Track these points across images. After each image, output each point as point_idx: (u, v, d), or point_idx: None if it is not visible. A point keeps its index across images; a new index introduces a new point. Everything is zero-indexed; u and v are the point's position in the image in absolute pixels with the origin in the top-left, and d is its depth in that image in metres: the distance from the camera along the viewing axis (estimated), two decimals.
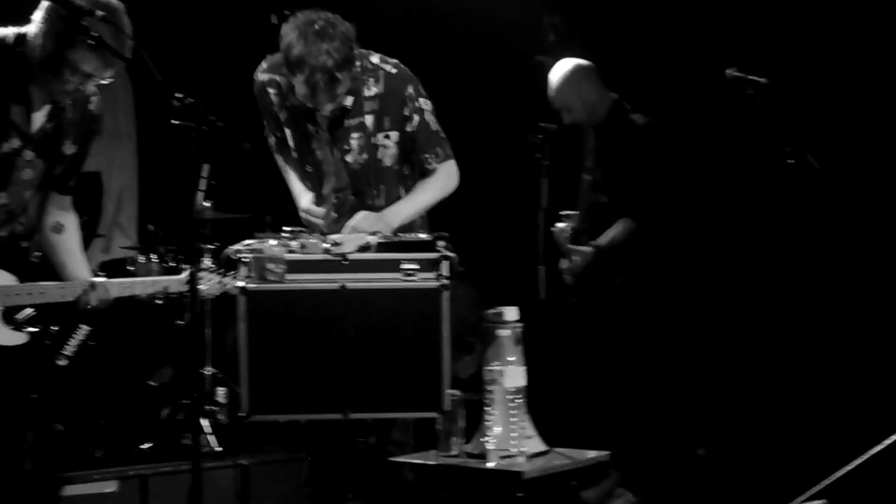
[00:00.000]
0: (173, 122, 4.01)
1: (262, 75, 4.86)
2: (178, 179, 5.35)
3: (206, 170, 5.71)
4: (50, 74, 4.14)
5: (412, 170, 4.88)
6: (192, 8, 7.50)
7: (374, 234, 4.53)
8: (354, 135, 4.77)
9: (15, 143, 4.26)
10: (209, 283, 4.58)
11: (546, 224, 5.09)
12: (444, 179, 4.85)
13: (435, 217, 5.01)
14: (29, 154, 4.30)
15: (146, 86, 4.93)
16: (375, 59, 4.78)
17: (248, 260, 4.39)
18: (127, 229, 8.14)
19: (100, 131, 4.46)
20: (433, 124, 4.86)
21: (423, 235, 4.60)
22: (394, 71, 4.75)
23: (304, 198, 4.87)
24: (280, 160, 5.04)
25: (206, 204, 6.08)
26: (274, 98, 4.82)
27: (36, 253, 4.41)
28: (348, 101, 4.71)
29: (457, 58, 6.77)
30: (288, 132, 4.88)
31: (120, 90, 8.01)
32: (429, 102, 4.81)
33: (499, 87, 7.08)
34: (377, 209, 4.78)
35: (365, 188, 4.82)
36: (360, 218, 4.65)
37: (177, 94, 3.90)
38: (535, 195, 5.12)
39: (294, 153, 4.85)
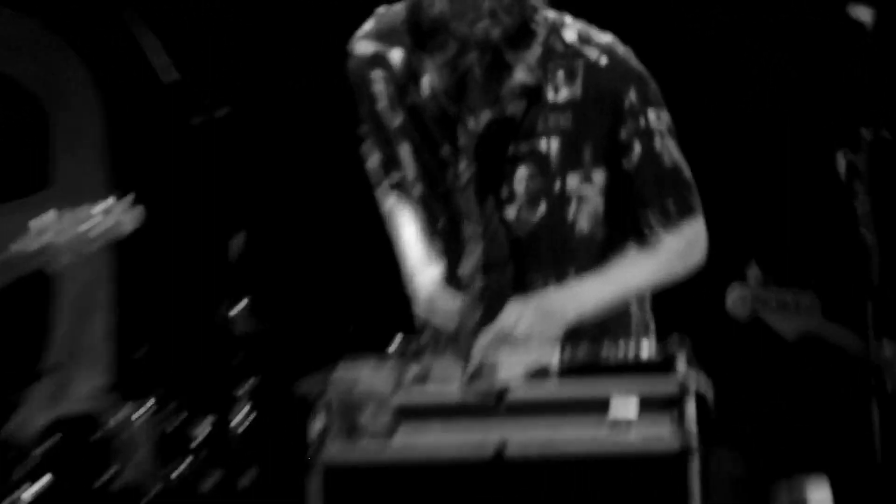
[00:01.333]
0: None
1: (362, 46, 3.35)
2: (190, 254, 4.06)
3: (240, 241, 3.73)
4: None
5: (625, 238, 3.36)
6: None
7: (549, 346, 3.07)
8: (525, 171, 3.23)
9: None
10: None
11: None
12: (672, 252, 3.30)
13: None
14: None
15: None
16: (572, 33, 3.22)
17: (327, 404, 3.03)
18: (95, 357, 6.15)
19: None
20: (668, 156, 3.26)
21: (645, 346, 3.18)
22: (604, 60, 3.20)
23: (425, 276, 3.42)
24: (387, 200, 3.48)
25: (242, 309, 4.10)
26: (382, 88, 3.31)
27: None
28: (516, 106, 3.18)
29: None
30: (406, 151, 3.34)
31: (82, 110, 6.00)
32: (665, 116, 3.25)
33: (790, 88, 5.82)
34: None
35: (538, 270, 3.31)
36: (518, 311, 3.18)
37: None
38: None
39: (416, 189, 3.37)
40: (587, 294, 3.25)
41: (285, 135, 5.50)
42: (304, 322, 5.60)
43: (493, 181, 3.28)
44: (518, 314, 3.17)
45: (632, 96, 3.20)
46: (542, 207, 3.26)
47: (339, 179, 4.00)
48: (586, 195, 3.25)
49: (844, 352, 4.80)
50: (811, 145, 5.51)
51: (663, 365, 2.91)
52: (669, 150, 3.25)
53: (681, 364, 2.91)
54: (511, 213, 3.27)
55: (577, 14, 3.33)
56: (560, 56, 3.20)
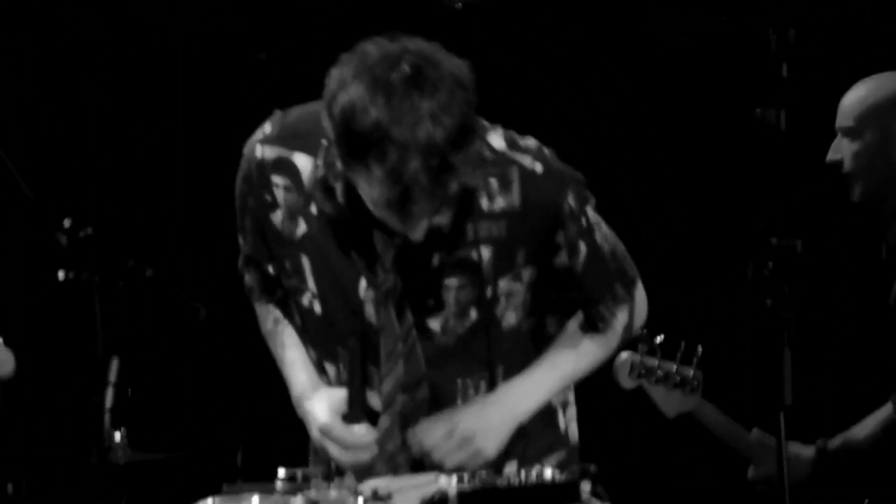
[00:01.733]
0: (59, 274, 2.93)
1: (262, 150, 3.06)
2: (63, 389, 3.81)
3: (115, 367, 3.55)
4: None
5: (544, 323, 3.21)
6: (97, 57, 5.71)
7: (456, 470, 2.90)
8: (455, 280, 3.07)
9: None
10: None
11: None
12: (622, 329, 3.20)
13: None
14: None
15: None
16: (498, 139, 3.03)
17: None
18: None
19: None
20: (608, 244, 3.13)
21: (548, 473, 2.83)
22: (539, 168, 3.01)
23: (318, 402, 3.11)
24: (271, 318, 3.20)
25: (119, 437, 3.90)
26: (282, 195, 3.03)
27: None
28: (444, 217, 2.98)
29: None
30: (305, 264, 3.07)
31: None
32: (598, 218, 3.13)
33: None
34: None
35: (467, 375, 3.12)
36: (438, 422, 3.05)
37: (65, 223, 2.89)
38: None
39: (313, 307, 3.11)
40: (527, 390, 3.11)
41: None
42: (181, 446, 5.39)
43: (414, 293, 3.08)
44: (444, 420, 3.02)
45: (570, 201, 3.04)
46: (473, 315, 3.08)
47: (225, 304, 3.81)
48: (514, 291, 3.08)
49: (716, 438, 4.76)
50: (721, 245, 5.53)
51: (567, 489, 2.78)
52: (606, 236, 3.12)
53: (585, 488, 2.78)
54: (437, 325, 3.07)
55: None
56: (491, 163, 3.01)
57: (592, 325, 3.13)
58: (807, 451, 4.71)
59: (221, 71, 5.26)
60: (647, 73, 5.73)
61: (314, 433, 3.05)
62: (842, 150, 4.35)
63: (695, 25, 5.60)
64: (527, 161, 2.99)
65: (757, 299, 3.44)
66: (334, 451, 3.02)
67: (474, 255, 3.01)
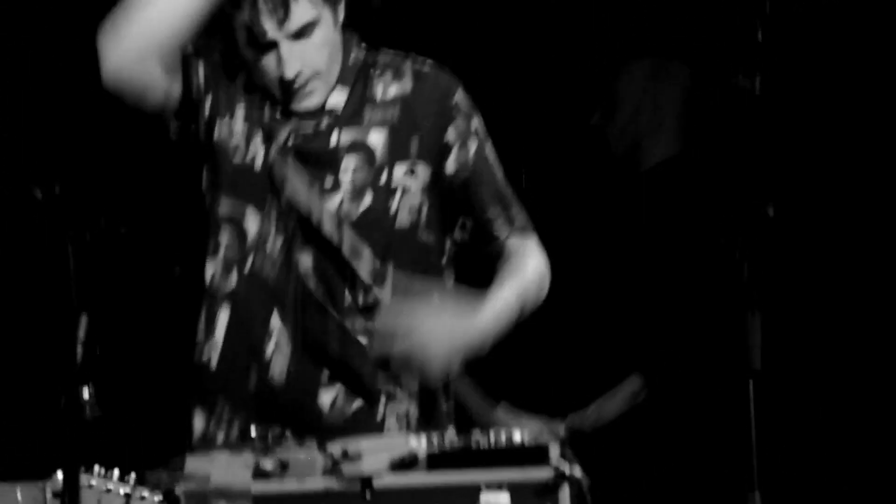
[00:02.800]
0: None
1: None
2: (36, 347, 3.60)
3: (84, 324, 3.49)
4: None
5: (443, 244, 3.25)
6: None
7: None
8: (350, 162, 3.16)
9: None
10: None
11: None
12: (538, 267, 3.21)
13: None
14: None
15: None
16: (390, 52, 3.29)
17: (178, 499, 2.88)
18: None
19: None
20: (499, 168, 3.24)
21: (518, 435, 2.83)
22: (427, 67, 3.25)
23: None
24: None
25: (87, 394, 3.84)
26: (202, 70, 3.21)
27: None
28: (336, 97, 3.18)
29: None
30: (238, 112, 3.24)
31: None
32: (486, 133, 3.26)
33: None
34: (363, 311, 3.14)
35: (358, 262, 3.15)
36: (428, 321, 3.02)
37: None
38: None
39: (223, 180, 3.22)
40: (496, 307, 3.09)
41: None
42: (154, 408, 5.37)
43: (314, 173, 3.17)
44: (429, 325, 2.97)
45: (458, 97, 3.19)
46: (368, 199, 3.15)
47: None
48: (409, 188, 3.16)
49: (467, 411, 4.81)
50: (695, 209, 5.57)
51: (536, 452, 2.78)
52: (497, 163, 3.21)
53: (554, 451, 2.78)
54: (333, 203, 3.14)
55: None
56: (385, 61, 3.20)
57: (490, 239, 3.16)
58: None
59: None
60: (627, 38, 5.72)
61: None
62: None
63: None
64: (419, 60, 3.19)
65: (729, 264, 3.47)
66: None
67: (371, 137, 3.13)
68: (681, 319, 5.11)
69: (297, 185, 3.13)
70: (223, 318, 3.16)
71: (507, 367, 5.06)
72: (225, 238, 3.15)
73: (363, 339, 3.10)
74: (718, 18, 5.22)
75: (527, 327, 3.38)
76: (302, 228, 3.11)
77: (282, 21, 3.04)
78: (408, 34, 5.65)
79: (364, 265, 3.12)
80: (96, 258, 3.09)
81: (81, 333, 4.02)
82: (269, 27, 3.03)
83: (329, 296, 3.11)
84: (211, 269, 3.15)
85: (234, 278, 3.13)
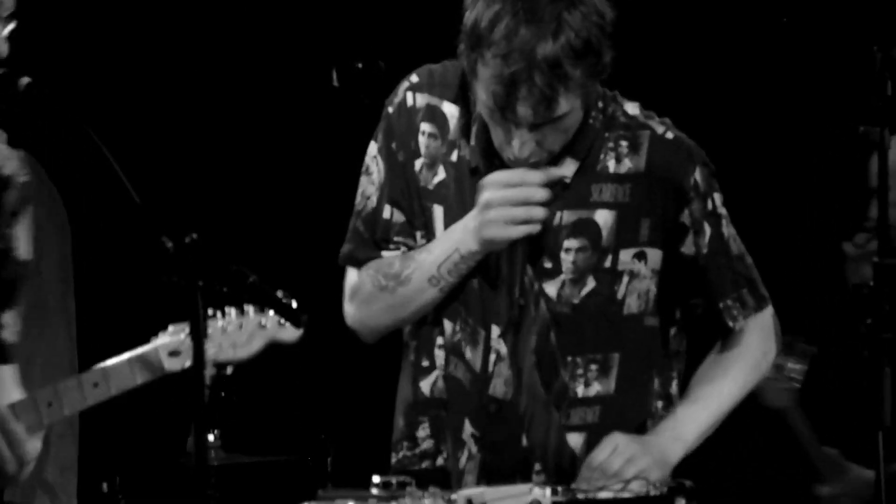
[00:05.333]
0: (164, 277, 2.51)
1: (413, 97, 3.01)
2: (158, 392, 3.63)
3: (211, 371, 3.55)
4: None
5: (676, 330, 3.04)
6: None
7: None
8: (575, 242, 2.89)
9: None
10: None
11: None
12: (758, 351, 3.04)
13: None
14: None
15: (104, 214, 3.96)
16: (633, 107, 2.97)
17: None
18: (60, 492, 5.70)
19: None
20: (736, 244, 3.00)
21: (643, 487, 2.73)
22: (670, 135, 2.95)
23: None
24: (390, 260, 3.03)
25: (212, 439, 3.87)
26: (425, 143, 2.98)
27: None
28: (568, 168, 2.89)
29: None
30: (437, 213, 2.99)
31: (43, 222, 5.72)
32: (727, 214, 3.03)
33: None
34: (608, 403, 2.96)
35: (579, 353, 2.96)
36: (625, 450, 2.89)
37: (170, 228, 2.47)
38: None
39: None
40: (688, 428, 2.98)
41: None
42: (274, 450, 5.36)
43: (534, 252, 2.96)
44: (626, 454, 2.88)
45: (698, 176, 2.96)
46: (590, 283, 2.95)
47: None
48: (638, 272, 2.95)
49: (800, 445, 4.65)
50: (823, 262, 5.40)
51: (660, 502, 2.72)
52: (735, 237, 3.00)
53: (679, 501, 2.72)
54: (552, 288, 2.95)
55: None
56: (623, 126, 2.94)
57: (722, 327, 2.99)
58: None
59: (324, 78, 5.27)
60: (754, 87, 5.63)
61: (487, 196, 2.86)
62: None
63: (801, 40, 5.50)
64: (659, 128, 2.93)
65: (857, 317, 3.36)
66: (510, 193, 2.86)
67: (597, 216, 2.92)
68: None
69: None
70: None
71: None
72: None
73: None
74: (848, 68, 5.13)
75: None
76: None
77: (542, 111, 2.80)
78: None
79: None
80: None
81: (207, 379, 4.03)
82: (524, 114, 2.79)
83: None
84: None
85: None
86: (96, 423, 6.17)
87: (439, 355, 2.99)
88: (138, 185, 2.60)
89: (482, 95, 2.79)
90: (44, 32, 5.31)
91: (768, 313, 3.04)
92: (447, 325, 2.98)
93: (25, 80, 2.63)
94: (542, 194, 2.82)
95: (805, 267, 5.40)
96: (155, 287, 2.58)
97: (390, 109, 2.99)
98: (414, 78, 3.00)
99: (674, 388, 3.02)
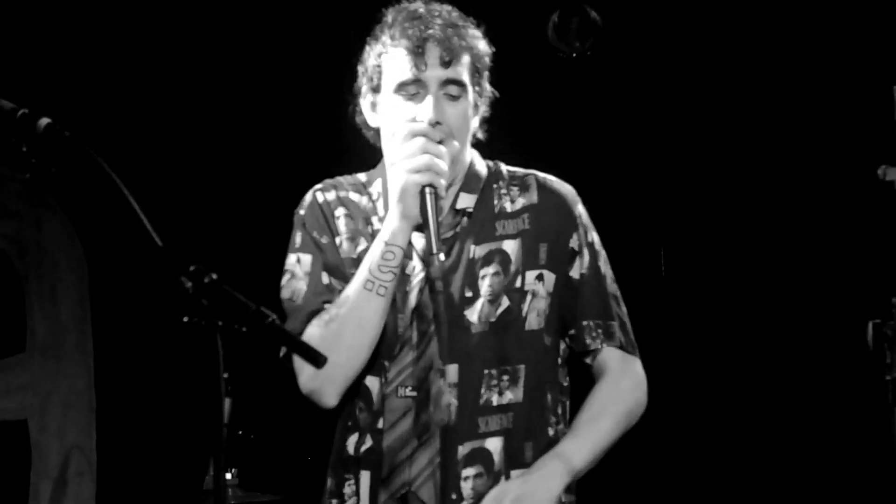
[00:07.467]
0: (182, 319, 2.54)
1: (323, 195, 3.37)
2: (177, 429, 3.56)
3: (228, 408, 3.55)
4: None
5: (562, 360, 3.34)
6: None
7: None
8: (487, 270, 3.27)
9: None
10: None
11: None
12: (631, 398, 3.30)
13: None
14: None
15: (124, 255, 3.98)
16: (512, 167, 3.40)
17: None
18: None
19: None
20: (612, 283, 3.34)
21: None
22: (552, 177, 3.37)
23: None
24: (333, 308, 3.26)
25: (229, 477, 3.90)
26: (343, 223, 3.33)
27: None
28: (466, 200, 3.28)
29: None
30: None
31: (62, 266, 5.84)
32: (602, 249, 3.37)
33: None
34: (511, 411, 3.23)
35: (490, 366, 3.25)
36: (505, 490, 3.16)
37: (190, 269, 2.50)
38: None
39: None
40: (574, 459, 3.19)
41: None
42: (290, 489, 5.37)
43: (455, 285, 3.25)
44: (513, 495, 3.11)
45: (581, 210, 3.30)
46: (504, 302, 3.24)
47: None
48: (538, 292, 3.24)
49: None
50: (841, 312, 5.50)
51: None
52: (613, 279, 3.31)
53: None
54: (473, 314, 3.24)
55: None
56: (509, 176, 3.33)
57: (581, 348, 3.25)
58: None
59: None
60: (771, 129, 5.63)
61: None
62: None
63: (819, 80, 5.50)
64: (541, 175, 3.32)
65: (876, 360, 3.36)
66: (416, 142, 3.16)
67: (504, 246, 3.24)
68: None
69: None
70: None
71: None
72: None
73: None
74: (865, 110, 5.15)
75: None
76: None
77: (448, 51, 3.18)
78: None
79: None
80: (244, 346, 3.12)
81: (225, 418, 4.04)
82: (433, 53, 3.18)
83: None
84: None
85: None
86: (114, 461, 6.21)
87: (361, 417, 3.24)
88: (154, 220, 2.61)
89: (393, 72, 3.17)
90: (43, 62, 5.38)
91: (639, 364, 3.29)
92: (371, 381, 3.23)
93: (45, 120, 2.64)
94: (443, 150, 3.13)
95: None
96: (174, 327, 2.59)
97: (301, 212, 3.31)
98: (317, 185, 3.34)
99: (560, 410, 3.28)
